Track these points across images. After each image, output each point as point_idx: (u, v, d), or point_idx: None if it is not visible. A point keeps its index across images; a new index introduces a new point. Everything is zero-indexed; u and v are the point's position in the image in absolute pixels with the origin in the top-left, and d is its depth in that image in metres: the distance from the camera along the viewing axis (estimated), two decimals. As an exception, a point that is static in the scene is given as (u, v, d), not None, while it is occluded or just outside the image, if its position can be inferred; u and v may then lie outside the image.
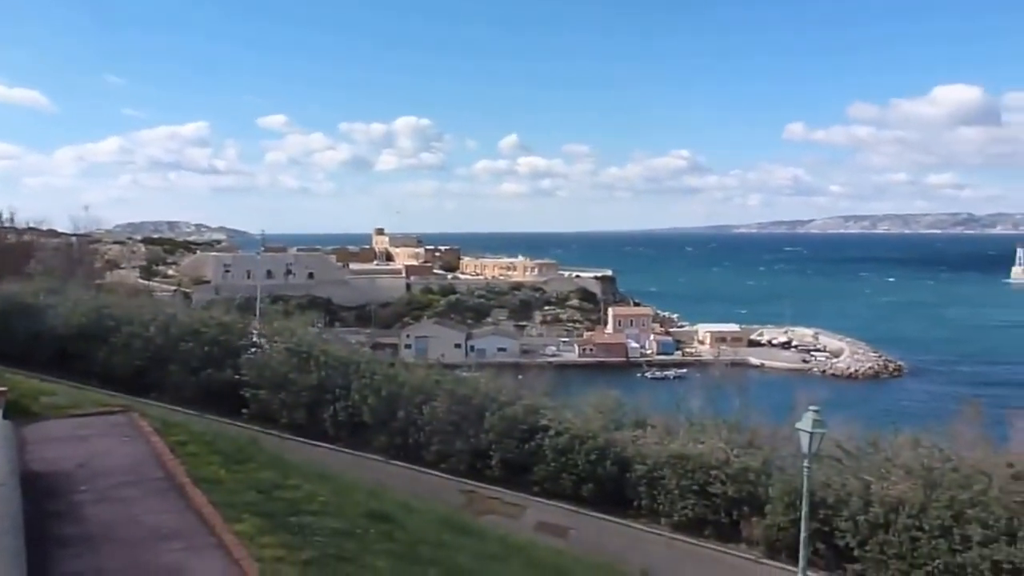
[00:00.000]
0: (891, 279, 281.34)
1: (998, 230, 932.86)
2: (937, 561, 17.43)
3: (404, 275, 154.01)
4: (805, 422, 15.06)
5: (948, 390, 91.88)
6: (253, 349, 25.34)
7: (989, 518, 17.39)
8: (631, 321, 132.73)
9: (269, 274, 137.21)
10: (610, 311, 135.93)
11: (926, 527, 17.76)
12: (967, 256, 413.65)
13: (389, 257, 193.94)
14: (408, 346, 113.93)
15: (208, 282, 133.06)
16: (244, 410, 23.94)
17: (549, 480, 21.83)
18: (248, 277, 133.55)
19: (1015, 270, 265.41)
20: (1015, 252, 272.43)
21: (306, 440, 22.86)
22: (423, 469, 22.63)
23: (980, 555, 17.03)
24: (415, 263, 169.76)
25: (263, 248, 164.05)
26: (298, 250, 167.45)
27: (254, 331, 27.28)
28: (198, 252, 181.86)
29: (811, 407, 15.37)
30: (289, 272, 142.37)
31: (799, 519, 15.93)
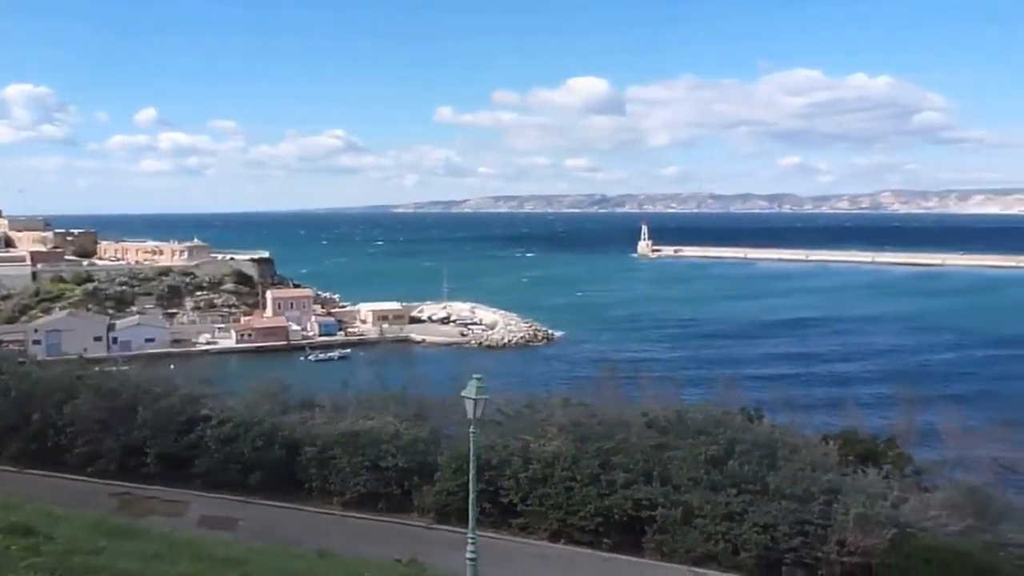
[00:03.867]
0: (531, 254, 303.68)
1: (626, 209, 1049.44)
2: (589, 506, 19.28)
3: (29, 262, 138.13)
4: (470, 390, 15.66)
5: (590, 355, 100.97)
6: None
7: (630, 463, 19.56)
8: (291, 303, 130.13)
9: None
10: (268, 294, 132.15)
11: (578, 477, 19.54)
12: (601, 233, 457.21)
13: (9, 243, 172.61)
14: (37, 342, 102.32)
15: None
16: None
17: (213, 471, 20.96)
18: None
19: (640, 245, 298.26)
20: (640, 229, 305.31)
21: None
22: (67, 475, 20.64)
23: (624, 496, 19.11)
24: (42, 249, 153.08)
25: None
26: None
27: None
28: None
29: (474, 375, 15.99)
30: None
31: (467, 483, 16.59)
